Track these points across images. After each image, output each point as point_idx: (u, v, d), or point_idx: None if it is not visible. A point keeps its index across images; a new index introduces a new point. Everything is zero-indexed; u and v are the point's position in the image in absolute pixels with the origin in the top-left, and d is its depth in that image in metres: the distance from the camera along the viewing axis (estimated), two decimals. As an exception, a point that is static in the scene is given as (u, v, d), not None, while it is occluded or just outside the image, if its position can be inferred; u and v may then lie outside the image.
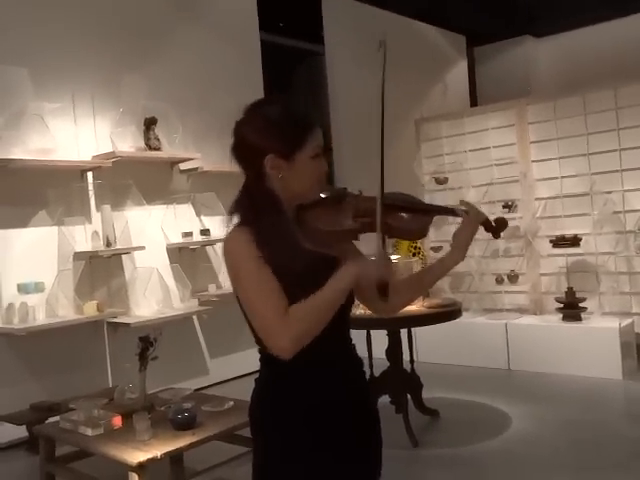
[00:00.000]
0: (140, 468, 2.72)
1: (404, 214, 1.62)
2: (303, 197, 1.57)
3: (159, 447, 2.85)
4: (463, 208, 1.66)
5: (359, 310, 4.23)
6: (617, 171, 5.45)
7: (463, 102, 8.76)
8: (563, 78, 8.46)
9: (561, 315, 5.47)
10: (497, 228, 1.70)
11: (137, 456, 2.75)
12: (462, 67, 9.29)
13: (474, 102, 9.12)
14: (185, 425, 3.03)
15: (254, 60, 6.41)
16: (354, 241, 1.66)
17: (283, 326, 1.41)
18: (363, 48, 7.41)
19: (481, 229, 1.67)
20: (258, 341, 1.52)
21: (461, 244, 1.63)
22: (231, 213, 1.55)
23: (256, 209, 1.51)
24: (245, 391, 5.25)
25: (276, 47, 8.00)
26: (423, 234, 1.69)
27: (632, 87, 5.42)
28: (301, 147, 1.52)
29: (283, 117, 1.55)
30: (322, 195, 1.61)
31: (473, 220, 1.63)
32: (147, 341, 3.35)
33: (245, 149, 1.55)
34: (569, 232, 5.53)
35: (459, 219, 1.68)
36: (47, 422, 3.78)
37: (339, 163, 7.08)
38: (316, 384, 1.55)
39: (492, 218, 1.70)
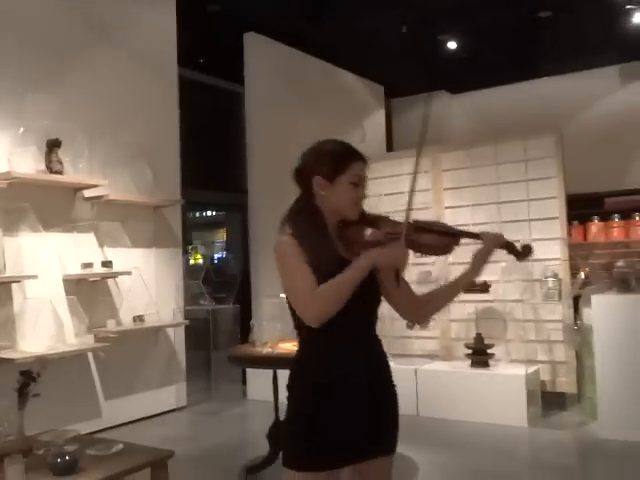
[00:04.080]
0: (6, 519, 2.40)
1: (429, 234, 1.96)
2: (342, 214, 1.94)
3: (32, 495, 2.52)
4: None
5: (266, 349, 4.06)
6: (525, 220, 5.60)
7: (380, 149, 8.89)
8: (475, 132, 8.77)
9: (470, 361, 5.47)
10: (522, 252, 2.01)
11: (4, 505, 2.42)
12: (380, 115, 9.46)
13: (390, 150, 9.28)
14: (65, 470, 2.70)
15: (171, 93, 6.24)
16: None
17: (312, 297, 1.79)
18: (283, 90, 7.40)
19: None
20: (297, 325, 1.92)
21: (477, 262, 1.97)
22: (283, 222, 1.93)
23: (302, 221, 1.91)
24: (141, 436, 4.87)
25: (196, 83, 7.89)
26: (446, 251, 1.99)
27: (538, 140, 5.64)
28: (342, 173, 1.91)
29: (333, 148, 1.96)
30: (361, 215, 1.96)
31: (489, 243, 1.96)
32: (29, 376, 3.01)
33: (302, 171, 1.96)
34: (479, 279, 5.58)
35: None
36: None
37: (254, 201, 6.94)
38: (333, 363, 1.88)
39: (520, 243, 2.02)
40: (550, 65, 8.33)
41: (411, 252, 1.95)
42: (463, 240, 2.01)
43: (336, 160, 1.92)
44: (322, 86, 7.98)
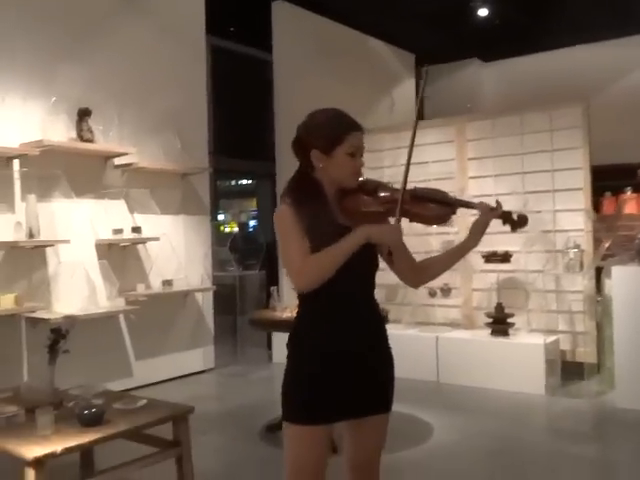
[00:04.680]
0: (37, 463, 2.57)
1: (426, 203, 1.99)
2: (341, 184, 1.99)
3: (60, 443, 2.70)
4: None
5: (285, 314, 4.19)
6: (549, 191, 5.58)
7: (409, 118, 8.85)
8: (504, 101, 8.67)
9: (490, 330, 5.53)
10: (517, 222, 2.01)
11: (34, 451, 2.60)
12: (410, 84, 9.40)
13: (420, 118, 9.21)
14: (91, 421, 2.89)
15: (199, 61, 6.34)
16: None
17: (303, 265, 1.86)
18: (311, 58, 7.42)
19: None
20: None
21: (475, 232, 1.99)
22: (284, 193, 2.00)
23: (301, 191, 1.97)
24: (169, 395, 5.08)
25: (224, 51, 7.95)
26: (441, 221, 2.02)
27: (564, 110, 5.58)
28: (338, 145, 1.94)
29: (327, 121, 1.98)
30: (360, 184, 2.00)
31: (487, 213, 1.97)
32: (58, 333, 3.20)
33: (298, 144, 2.01)
34: (501, 249, 5.61)
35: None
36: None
37: (282, 170, 7.02)
38: (330, 325, 1.94)
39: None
40: (584, 33, 8.14)
41: (407, 221, 1.99)
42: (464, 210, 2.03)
43: (332, 134, 1.95)
44: (351, 55, 7.95)
